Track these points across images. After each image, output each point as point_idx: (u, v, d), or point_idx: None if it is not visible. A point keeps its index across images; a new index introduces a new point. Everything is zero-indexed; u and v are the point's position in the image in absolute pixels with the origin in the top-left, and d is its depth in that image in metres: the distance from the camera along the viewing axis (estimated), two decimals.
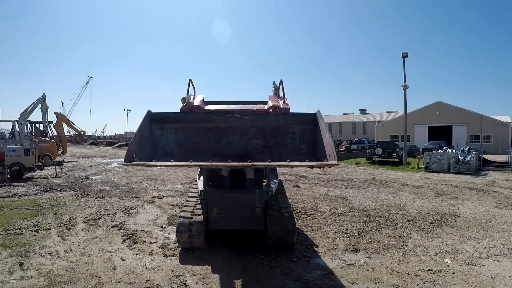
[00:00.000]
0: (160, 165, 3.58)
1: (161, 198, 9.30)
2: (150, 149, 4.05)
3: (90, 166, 19.19)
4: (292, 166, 3.47)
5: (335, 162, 3.38)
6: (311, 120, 4.08)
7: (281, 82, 6.16)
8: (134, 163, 3.45)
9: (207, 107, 5.63)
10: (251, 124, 4.22)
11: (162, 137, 4.17)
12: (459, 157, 16.91)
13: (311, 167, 3.44)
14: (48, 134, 24.44)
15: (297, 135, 4.27)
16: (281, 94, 6.24)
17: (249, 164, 3.38)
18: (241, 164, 3.34)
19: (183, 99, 5.35)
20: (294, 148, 4.30)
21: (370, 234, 6.02)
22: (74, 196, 9.48)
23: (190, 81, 6.05)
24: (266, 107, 5.82)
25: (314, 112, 4.09)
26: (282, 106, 5.59)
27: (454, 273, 4.33)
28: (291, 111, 5.78)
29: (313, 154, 4.23)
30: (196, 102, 5.66)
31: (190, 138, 4.23)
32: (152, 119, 4.00)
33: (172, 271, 4.33)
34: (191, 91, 6.31)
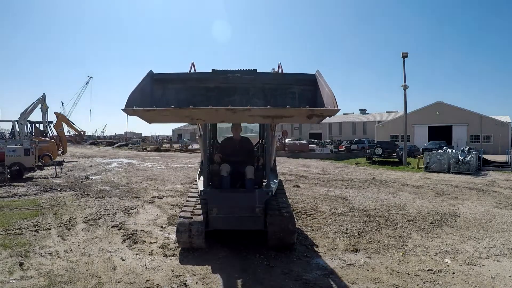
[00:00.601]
0: (160, 110, 3.40)
1: (161, 198, 9.31)
2: (150, 107, 4.02)
3: (90, 166, 19.19)
4: (291, 114, 3.35)
5: (336, 108, 3.30)
6: (310, 80, 4.08)
7: (279, 65, 6.17)
8: (135, 108, 3.35)
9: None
10: (251, 84, 4.22)
11: (163, 97, 4.16)
12: (459, 157, 16.91)
13: (310, 116, 3.32)
14: (48, 134, 24.43)
15: (297, 95, 4.26)
16: None
17: (250, 107, 3.33)
18: (241, 108, 3.28)
19: None
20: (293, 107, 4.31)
21: (370, 234, 6.03)
22: (74, 196, 9.48)
23: (192, 64, 6.08)
24: None
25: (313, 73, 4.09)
26: None
27: (454, 273, 4.33)
28: None
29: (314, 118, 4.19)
30: None
31: (191, 98, 4.22)
32: (153, 79, 3.99)
33: (172, 271, 4.33)
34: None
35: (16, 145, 13.70)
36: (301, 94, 4.28)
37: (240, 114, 3.32)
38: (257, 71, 4.43)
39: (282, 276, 4.20)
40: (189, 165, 19.84)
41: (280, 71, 5.99)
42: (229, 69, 4.37)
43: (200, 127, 5.86)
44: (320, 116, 3.35)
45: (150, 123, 3.74)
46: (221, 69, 4.38)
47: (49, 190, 10.33)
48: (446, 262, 4.69)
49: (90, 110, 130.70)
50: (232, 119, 3.87)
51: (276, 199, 5.32)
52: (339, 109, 3.32)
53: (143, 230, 6.13)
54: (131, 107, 3.35)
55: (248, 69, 4.31)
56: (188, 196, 5.68)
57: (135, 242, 5.47)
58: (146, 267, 4.45)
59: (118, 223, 6.61)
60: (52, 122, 25.08)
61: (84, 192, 9.96)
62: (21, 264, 4.41)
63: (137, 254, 4.95)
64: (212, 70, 4.33)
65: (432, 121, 41.26)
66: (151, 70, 4.07)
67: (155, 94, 4.10)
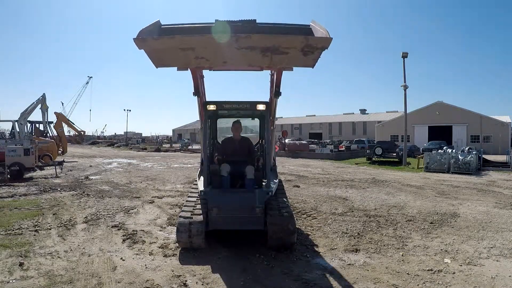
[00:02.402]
0: (168, 38, 3.52)
1: (161, 198, 9.31)
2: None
3: (90, 166, 19.20)
4: (289, 44, 3.45)
5: (329, 37, 3.38)
6: (306, 30, 4.10)
7: None
8: (145, 37, 3.44)
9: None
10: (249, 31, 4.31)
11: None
12: (459, 157, 16.91)
13: (306, 53, 3.42)
14: (48, 134, 24.46)
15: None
16: None
17: (250, 34, 3.44)
18: (243, 35, 3.42)
19: None
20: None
21: (370, 234, 6.02)
22: (74, 196, 9.48)
23: None
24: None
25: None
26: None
27: (454, 273, 4.33)
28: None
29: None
30: None
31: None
32: (160, 29, 4.03)
33: (172, 271, 4.33)
34: None
35: (16, 145, 13.70)
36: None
37: (241, 41, 3.44)
38: (256, 21, 4.49)
39: (282, 276, 4.20)
40: (189, 165, 19.84)
41: None
42: (231, 20, 4.41)
43: (201, 116, 5.84)
44: (315, 48, 3.45)
45: (157, 66, 3.86)
46: (223, 20, 4.42)
47: (49, 190, 10.33)
48: (446, 262, 4.69)
49: (90, 110, 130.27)
50: (233, 48, 3.90)
51: (276, 199, 5.32)
52: (331, 38, 3.38)
53: (143, 230, 6.13)
54: (142, 37, 3.39)
55: (248, 19, 4.35)
56: (188, 196, 5.68)
57: (135, 242, 5.47)
58: (146, 267, 4.45)
59: (118, 223, 6.60)
60: (52, 122, 25.11)
61: (84, 192, 9.96)
62: (21, 264, 4.41)
63: (137, 254, 4.95)
64: (216, 20, 4.38)
65: (432, 121, 41.26)
66: (158, 20, 4.08)
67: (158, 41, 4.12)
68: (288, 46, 3.58)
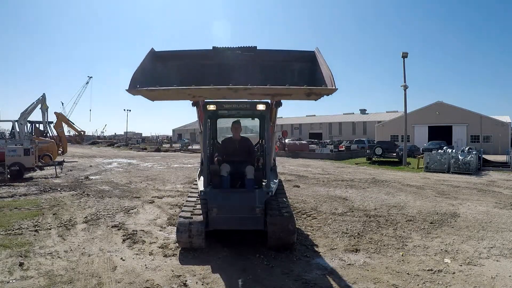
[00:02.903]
0: (163, 89, 3.56)
1: (161, 198, 9.31)
2: (153, 85, 4.07)
3: (90, 166, 19.20)
4: (290, 93, 3.48)
5: (333, 87, 3.37)
6: (309, 57, 4.10)
7: None
8: (138, 88, 3.48)
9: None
10: (251, 61, 4.26)
11: (165, 74, 4.20)
12: (459, 157, 16.91)
13: (309, 94, 3.42)
14: (48, 134, 24.44)
15: (296, 72, 4.30)
16: None
17: (250, 86, 3.45)
18: (241, 87, 3.42)
19: None
20: (292, 84, 4.32)
21: (370, 234, 6.03)
22: (74, 196, 9.48)
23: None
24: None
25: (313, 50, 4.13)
26: None
27: (454, 273, 4.33)
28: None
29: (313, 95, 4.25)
30: None
31: (193, 74, 4.26)
32: (155, 57, 4.02)
33: (172, 271, 4.33)
34: None
35: (16, 145, 13.70)
36: (300, 71, 4.31)
37: (240, 92, 3.47)
38: (257, 48, 4.46)
39: (282, 276, 4.20)
40: (189, 165, 19.84)
41: None
42: (229, 46, 4.41)
43: (201, 123, 5.86)
44: (318, 94, 3.45)
45: (153, 100, 3.91)
46: (221, 46, 4.41)
47: (49, 190, 10.33)
48: (446, 262, 4.69)
49: (90, 110, 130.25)
50: (233, 97, 3.98)
51: (276, 199, 5.32)
52: (337, 89, 3.40)
53: (143, 230, 6.13)
54: (134, 87, 3.45)
55: (249, 46, 4.31)
56: (188, 196, 5.68)
57: (135, 242, 5.47)
58: (146, 267, 4.45)
59: (118, 223, 6.60)
60: (52, 122, 25.10)
61: (84, 192, 9.96)
62: (21, 264, 4.41)
63: (137, 254, 4.95)
64: (213, 47, 4.35)
65: (432, 121, 41.24)
66: (152, 48, 4.09)
67: (157, 71, 4.13)
68: (290, 94, 3.63)
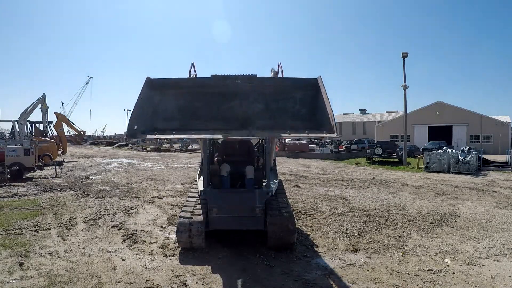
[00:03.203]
0: (162, 137, 3.68)
1: (161, 198, 9.30)
2: (151, 116, 4.04)
3: (90, 166, 19.19)
4: (292, 137, 3.56)
5: (334, 134, 3.43)
6: (312, 85, 4.05)
7: (279, 65, 6.17)
8: (137, 135, 3.57)
9: None
10: (252, 89, 4.19)
11: (162, 102, 4.15)
12: (459, 157, 16.91)
13: (310, 139, 3.52)
14: (48, 134, 24.45)
15: (298, 99, 4.24)
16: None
17: (250, 135, 3.46)
18: (240, 138, 3.43)
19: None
20: (294, 112, 4.26)
21: (370, 234, 6.03)
22: (74, 196, 9.48)
23: (192, 64, 6.08)
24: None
25: (316, 77, 4.07)
26: None
27: (454, 273, 4.33)
28: None
29: (313, 119, 4.20)
30: None
31: (190, 103, 4.20)
32: (151, 85, 3.98)
33: (172, 271, 4.33)
34: (192, 74, 6.32)
35: (16, 145, 13.70)
36: (302, 99, 4.24)
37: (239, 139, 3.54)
38: (258, 75, 4.39)
39: (282, 276, 4.20)
40: (189, 165, 19.84)
41: (279, 72, 5.97)
42: (229, 74, 4.30)
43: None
44: (321, 138, 3.56)
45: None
46: (220, 74, 4.32)
47: (49, 190, 10.33)
48: (446, 262, 4.69)
49: (90, 110, 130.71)
50: (232, 138, 3.98)
51: (276, 199, 5.32)
52: (339, 135, 3.44)
53: (143, 230, 6.13)
54: (134, 134, 3.55)
55: (248, 74, 4.23)
56: (188, 196, 5.68)
57: (135, 242, 5.47)
58: (146, 267, 4.45)
59: (118, 223, 6.60)
60: (52, 122, 25.11)
61: (84, 192, 9.96)
62: (21, 264, 4.41)
63: (137, 254, 4.95)
64: (212, 75, 4.28)
65: (432, 121, 41.23)
66: (148, 77, 4.01)
67: (154, 99, 4.09)
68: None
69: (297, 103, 4.25)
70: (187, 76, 5.76)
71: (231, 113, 4.18)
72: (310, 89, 4.11)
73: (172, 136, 3.97)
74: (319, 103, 3.96)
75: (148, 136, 3.73)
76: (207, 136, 3.58)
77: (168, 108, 4.16)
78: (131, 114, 3.56)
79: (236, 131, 3.58)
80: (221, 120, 4.19)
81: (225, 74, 4.19)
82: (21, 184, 11.54)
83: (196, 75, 6.22)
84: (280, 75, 6.10)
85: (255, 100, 4.21)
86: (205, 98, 4.17)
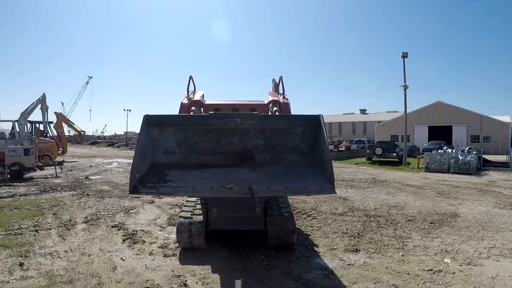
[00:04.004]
0: (165, 194, 3.74)
1: (161, 198, 9.30)
2: (151, 151, 4.07)
3: (90, 166, 19.19)
4: (292, 195, 3.76)
5: (332, 192, 3.56)
6: (313, 123, 4.05)
7: (280, 78, 6.19)
8: (140, 191, 3.67)
9: (207, 102, 5.66)
10: (251, 126, 4.19)
11: (161, 137, 4.17)
12: (459, 157, 16.91)
13: (308, 194, 3.64)
14: (48, 134, 24.44)
15: (298, 135, 4.26)
16: (280, 90, 6.24)
17: (250, 195, 3.63)
18: (243, 195, 3.66)
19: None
20: (294, 147, 4.30)
21: (370, 234, 6.03)
22: (74, 196, 9.48)
23: (190, 77, 6.10)
24: (266, 101, 5.81)
25: (317, 114, 4.05)
26: (282, 101, 5.60)
27: (454, 273, 4.33)
28: (290, 107, 5.77)
29: (312, 153, 4.24)
30: (197, 97, 5.69)
31: (190, 138, 4.23)
32: (149, 123, 3.97)
33: (172, 271, 4.33)
34: (191, 88, 6.34)
35: (16, 145, 13.70)
36: (302, 134, 4.22)
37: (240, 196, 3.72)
38: (256, 112, 4.44)
39: (282, 276, 4.20)
40: None
41: (280, 85, 5.98)
42: (228, 112, 4.26)
43: None
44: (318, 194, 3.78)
45: None
46: (220, 112, 4.28)
47: (49, 190, 10.33)
48: (446, 262, 4.69)
49: (90, 110, 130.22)
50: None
51: (276, 199, 5.33)
52: (336, 193, 3.69)
53: (143, 230, 6.13)
54: (136, 189, 3.60)
55: (248, 112, 4.18)
56: (188, 196, 5.68)
57: (135, 242, 5.47)
58: (146, 267, 4.45)
59: (118, 223, 6.61)
60: (52, 122, 25.10)
61: (84, 192, 9.96)
62: (21, 264, 4.41)
63: (137, 254, 4.95)
64: (210, 113, 4.23)
65: (432, 121, 41.25)
66: (145, 115, 3.98)
67: (153, 134, 4.08)
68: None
69: (297, 138, 4.24)
70: (185, 91, 5.76)
71: (231, 147, 4.19)
72: (311, 126, 4.09)
73: (172, 193, 4.05)
74: (320, 140, 3.98)
75: (149, 191, 3.79)
76: (207, 194, 3.79)
77: (167, 141, 4.17)
78: (133, 163, 3.59)
79: (236, 189, 3.67)
80: (220, 154, 4.21)
81: (225, 112, 4.15)
82: (21, 184, 11.54)
83: (195, 88, 6.22)
84: (280, 88, 6.11)
85: (255, 136, 4.20)
86: (204, 134, 4.16)
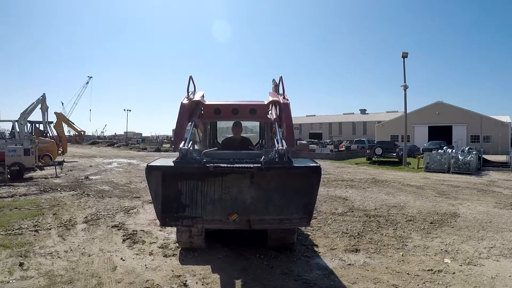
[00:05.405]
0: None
1: None
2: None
3: (90, 166, 19.20)
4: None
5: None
6: (314, 173, 4.06)
7: (280, 78, 6.18)
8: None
9: (208, 103, 5.64)
10: (250, 181, 4.21)
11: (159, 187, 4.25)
12: (459, 157, 16.91)
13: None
14: (48, 134, 24.45)
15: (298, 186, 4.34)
16: (280, 91, 6.23)
17: (249, 228, 3.89)
18: (239, 227, 3.99)
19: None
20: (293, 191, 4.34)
21: (370, 234, 6.02)
22: (74, 196, 9.48)
23: (190, 77, 6.10)
24: (266, 102, 5.81)
25: (317, 165, 4.08)
26: (282, 101, 5.59)
27: (454, 273, 4.33)
28: (290, 107, 5.76)
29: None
30: (197, 97, 5.69)
31: (189, 191, 4.33)
32: (151, 173, 3.98)
33: (172, 271, 4.33)
34: (191, 88, 6.33)
35: (16, 145, 13.70)
36: (300, 189, 4.22)
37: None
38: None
39: (282, 276, 4.20)
40: None
41: (280, 86, 5.96)
42: (229, 166, 4.19)
43: (201, 130, 5.90)
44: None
45: None
46: (221, 166, 4.24)
47: (49, 190, 10.33)
48: (446, 262, 4.69)
49: (90, 110, 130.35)
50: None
51: None
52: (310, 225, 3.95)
53: (143, 230, 6.13)
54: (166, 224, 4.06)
55: (250, 166, 4.12)
56: None
57: (135, 242, 5.47)
58: (146, 267, 4.45)
59: (118, 223, 6.60)
60: (52, 122, 25.11)
61: (84, 192, 9.96)
62: (21, 264, 4.41)
63: (137, 254, 4.95)
64: (211, 166, 4.18)
65: (432, 121, 41.28)
66: (147, 164, 3.97)
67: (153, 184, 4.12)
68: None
69: (296, 192, 4.21)
70: (185, 92, 5.74)
71: (229, 197, 4.18)
72: (312, 173, 4.07)
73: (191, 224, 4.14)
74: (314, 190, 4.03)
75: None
76: (212, 226, 4.35)
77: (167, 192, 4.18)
78: (156, 203, 3.93)
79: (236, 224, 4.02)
80: (219, 203, 4.18)
81: (225, 166, 4.08)
82: (21, 184, 11.53)
83: (195, 88, 6.20)
84: (280, 89, 6.09)
85: (255, 189, 4.19)
86: (202, 185, 4.15)
